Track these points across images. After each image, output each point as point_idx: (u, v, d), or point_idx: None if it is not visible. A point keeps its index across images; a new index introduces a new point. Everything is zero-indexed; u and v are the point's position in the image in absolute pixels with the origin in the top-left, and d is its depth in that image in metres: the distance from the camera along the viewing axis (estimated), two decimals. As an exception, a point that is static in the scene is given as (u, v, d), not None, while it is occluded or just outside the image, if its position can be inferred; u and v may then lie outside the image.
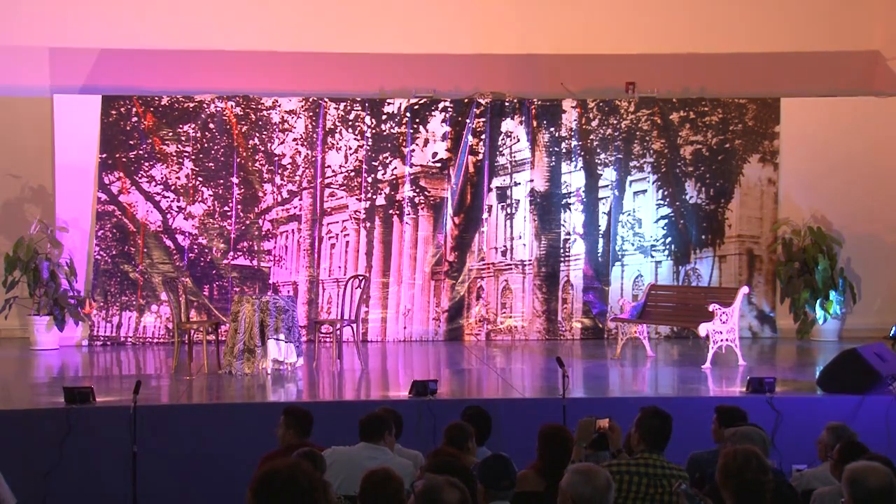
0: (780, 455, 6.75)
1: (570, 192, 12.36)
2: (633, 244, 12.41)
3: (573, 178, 12.36)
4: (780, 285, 12.21)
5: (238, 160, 12.12)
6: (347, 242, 12.29)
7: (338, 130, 12.25)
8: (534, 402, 8.11)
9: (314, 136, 12.20)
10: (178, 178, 12.03)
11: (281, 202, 12.22)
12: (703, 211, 12.45)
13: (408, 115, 12.23)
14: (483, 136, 12.31)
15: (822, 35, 12.66)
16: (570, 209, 12.35)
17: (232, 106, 12.05)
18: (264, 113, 12.17)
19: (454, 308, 12.26)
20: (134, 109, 11.95)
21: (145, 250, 11.96)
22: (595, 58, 12.52)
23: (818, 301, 11.87)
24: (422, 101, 12.27)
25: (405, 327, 12.23)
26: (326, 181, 12.25)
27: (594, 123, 12.39)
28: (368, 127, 12.24)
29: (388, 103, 12.25)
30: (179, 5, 12.25)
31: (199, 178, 12.09)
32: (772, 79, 12.65)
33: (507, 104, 12.32)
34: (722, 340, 9.81)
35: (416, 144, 12.28)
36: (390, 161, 12.28)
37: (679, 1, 12.69)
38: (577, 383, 8.90)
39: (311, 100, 12.20)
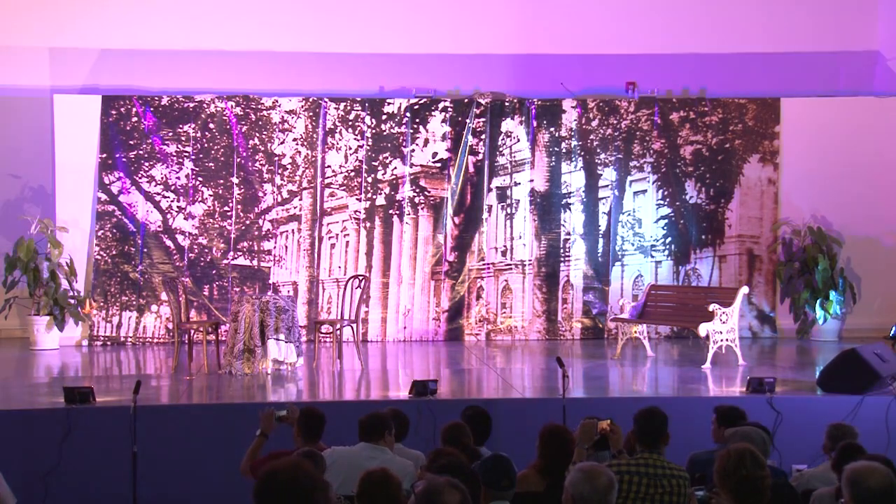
0: (780, 455, 6.75)
1: (570, 192, 12.36)
2: (633, 244, 12.41)
3: (573, 178, 12.36)
4: (780, 285, 12.22)
5: (238, 160, 12.12)
6: (347, 242, 12.29)
7: (338, 130, 12.25)
8: (534, 402, 8.11)
9: (314, 136, 12.20)
10: (178, 178, 12.03)
11: (281, 202, 12.21)
12: (703, 211, 12.44)
13: (408, 115, 12.23)
14: (483, 136, 12.31)
15: (822, 35, 12.66)
16: (570, 209, 12.35)
17: (232, 106, 12.05)
18: (264, 113, 12.17)
19: (454, 308, 12.25)
20: (134, 109, 11.96)
21: (145, 250, 11.96)
22: (595, 58, 12.52)
23: (818, 301, 11.87)
24: (422, 101, 12.27)
25: (405, 327, 12.22)
26: (326, 181, 12.25)
27: (594, 123, 12.38)
28: (368, 127, 12.24)
29: (388, 103, 12.25)
30: (179, 5, 12.25)
31: (199, 178, 12.09)
32: (772, 79, 12.65)
33: (507, 104, 12.32)
34: (722, 340, 9.81)
35: (416, 144, 12.27)
36: (390, 161, 12.27)
37: (679, 1, 12.69)
38: (577, 383, 8.90)
39: (311, 100, 12.20)
